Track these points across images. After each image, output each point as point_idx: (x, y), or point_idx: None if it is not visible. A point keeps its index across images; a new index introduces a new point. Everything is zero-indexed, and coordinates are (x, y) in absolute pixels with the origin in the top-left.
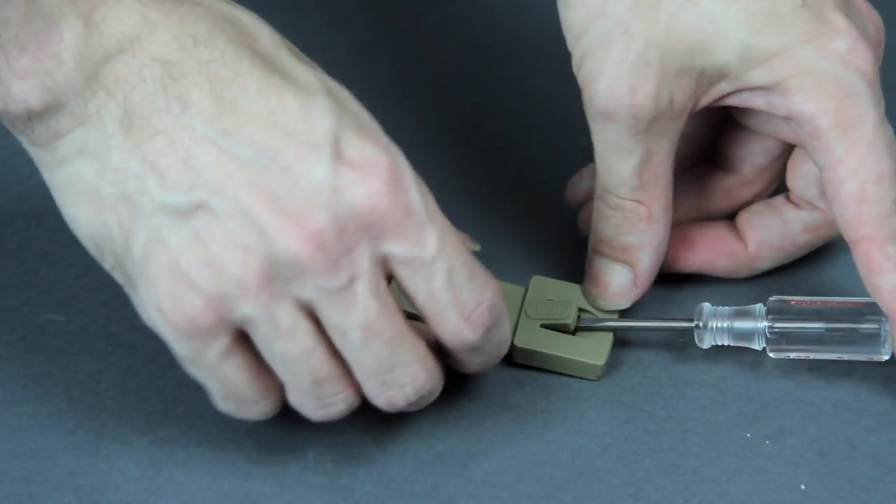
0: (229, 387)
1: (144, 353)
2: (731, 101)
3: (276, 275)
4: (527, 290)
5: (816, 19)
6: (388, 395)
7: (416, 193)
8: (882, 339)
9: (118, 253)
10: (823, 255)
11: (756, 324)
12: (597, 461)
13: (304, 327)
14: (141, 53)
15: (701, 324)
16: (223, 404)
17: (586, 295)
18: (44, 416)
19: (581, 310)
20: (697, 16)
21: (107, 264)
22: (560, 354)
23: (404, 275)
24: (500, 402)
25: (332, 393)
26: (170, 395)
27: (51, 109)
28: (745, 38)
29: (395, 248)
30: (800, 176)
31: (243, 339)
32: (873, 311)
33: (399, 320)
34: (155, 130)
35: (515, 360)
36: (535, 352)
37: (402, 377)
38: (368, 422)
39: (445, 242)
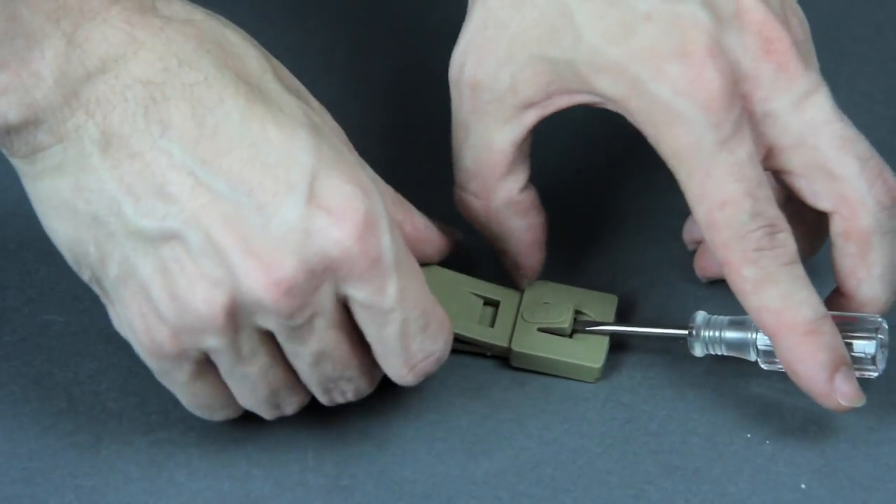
0: (198, 399)
1: None
2: (589, 105)
3: (241, 310)
4: (523, 294)
5: (665, 35)
6: (331, 396)
7: (387, 240)
8: (873, 355)
9: (94, 268)
10: (827, 270)
11: (749, 335)
12: (597, 462)
13: (264, 350)
14: (124, 74)
15: (694, 332)
16: (193, 411)
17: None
18: (44, 417)
19: (577, 312)
20: (556, 7)
21: (84, 276)
22: (557, 358)
23: (360, 316)
24: (500, 402)
25: (286, 398)
26: (170, 397)
27: (29, 125)
28: (593, 40)
29: (357, 293)
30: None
31: (209, 361)
32: (866, 327)
33: (350, 343)
34: (133, 152)
35: (512, 363)
36: (532, 355)
37: (345, 386)
38: (369, 423)
39: (405, 294)
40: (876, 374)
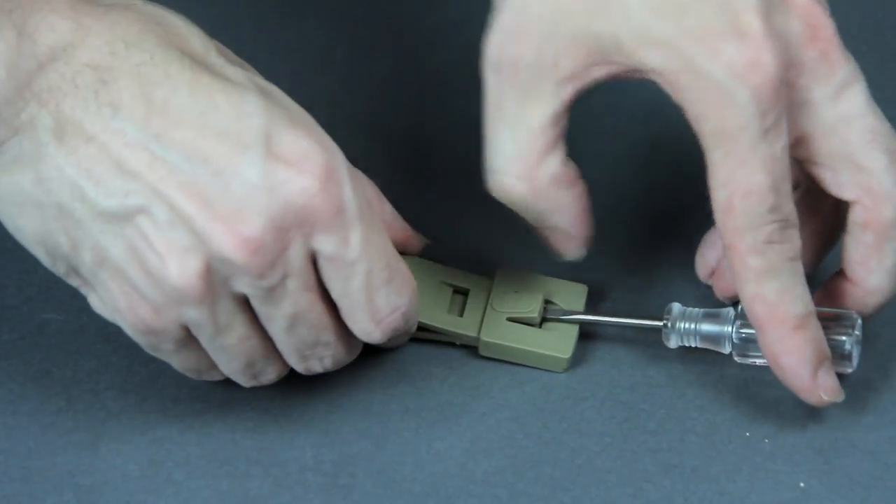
0: (186, 364)
1: (143, 352)
2: (626, 76)
3: (215, 276)
4: (493, 283)
5: (718, 15)
6: (307, 364)
7: (348, 190)
8: (848, 352)
9: (69, 258)
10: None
11: (723, 328)
12: (596, 460)
13: (241, 319)
14: (73, 60)
15: (669, 324)
16: (183, 373)
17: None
18: (43, 416)
19: (547, 301)
20: None
21: (60, 270)
22: (526, 347)
23: (326, 270)
24: (499, 401)
25: (263, 367)
26: (169, 395)
27: None
28: (643, 15)
29: (322, 245)
30: None
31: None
32: (842, 323)
33: (324, 306)
34: (87, 136)
35: (481, 352)
36: (500, 345)
37: (322, 352)
38: (367, 421)
39: (369, 244)
40: (851, 370)
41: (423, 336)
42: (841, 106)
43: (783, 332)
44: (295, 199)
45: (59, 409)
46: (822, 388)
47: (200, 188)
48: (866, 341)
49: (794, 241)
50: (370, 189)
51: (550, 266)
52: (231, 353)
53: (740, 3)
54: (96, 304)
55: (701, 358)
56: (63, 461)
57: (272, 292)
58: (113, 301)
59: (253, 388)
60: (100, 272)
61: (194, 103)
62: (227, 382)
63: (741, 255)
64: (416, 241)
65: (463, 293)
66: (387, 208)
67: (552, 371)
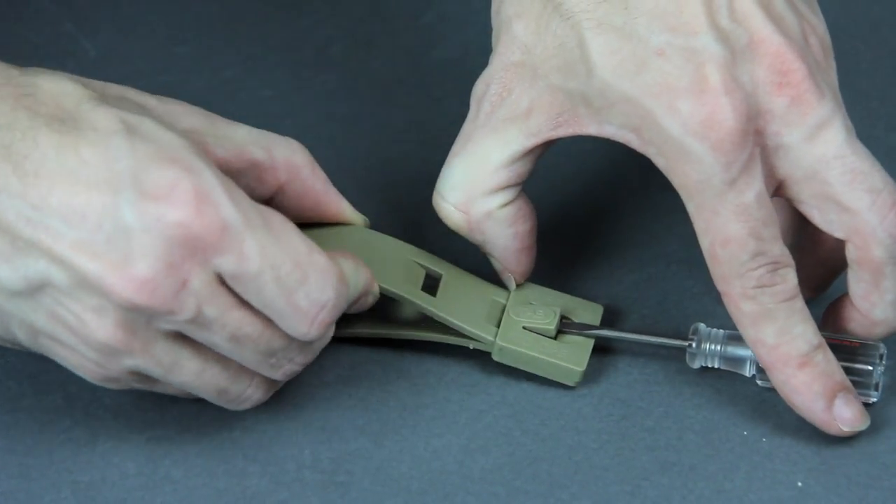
0: (168, 392)
1: None
2: (595, 132)
3: (135, 323)
4: (510, 293)
5: (679, 69)
6: (282, 371)
7: (227, 206)
8: (873, 381)
9: (6, 339)
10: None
11: (748, 351)
12: (594, 458)
13: (186, 354)
14: None
15: (694, 344)
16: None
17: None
18: (41, 413)
19: (563, 317)
20: (573, 38)
21: (9, 345)
22: (541, 356)
23: (237, 287)
24: (497, 398)
25: (240, 391)
26: (167, 395)
27: None
28: (605, 73)
29: (222, 266)
30: None
31: None
32: (867, 352)
33: (259, 316)
34: None
35: (494, 357)
36: (516, 351)
37: (287, 354)
38: (365, 419)
39: (267, 252)
40: (875, 400)
41: (436, 338)
42: (818, 148)
43: (789, 371)
44: (174, 232)
45: (57, 407)
46: (839, 419)
47: (87, 244)
48: None
49: (788, 281)
50: (296, 157)
51: (565, 285)
52: (194, 387)
53: (703, 55)
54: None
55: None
56: (61, 459)
57: (196, 323)
58: (64, 362)
59: None
60: (38, 341)
61: (63, 163)
62: None
63: (734, 301)
64: (352, 214)
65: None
66: (318, 182)
67: (564, 383)
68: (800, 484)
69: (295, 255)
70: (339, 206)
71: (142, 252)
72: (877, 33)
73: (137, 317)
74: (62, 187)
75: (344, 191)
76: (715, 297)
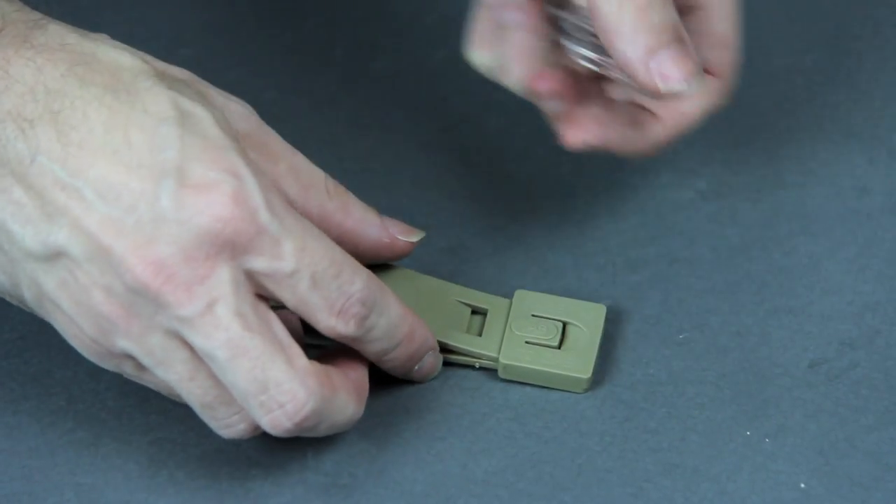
0: (156, 386)
1: None
2: None
3: (139, 309)
4: (511, 303)
5: None
6: (270, 417)
7: (264, 209)
8: None
9: (13, 294)
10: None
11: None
12: (596, 460)
13: (180, 356)
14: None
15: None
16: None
17: None
18: (44, 415)
19: (565, 325)
20: None
21: (15, 303)
22: (546, 369)
23: (271, 287)
24: (499, 401)
25: (227, 415)
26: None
27: None
28: None
29: (255, 265)
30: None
31: None
32: None
33: (269, 336)
34: (12, 180)
35: (500, 375)
36: (521, 367)
37: (279, 396)
38: (368, 421)
39: (304, 250)
40: None
41: (443, 358)
42: None
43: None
44: (207, 227)
45: (60, 409)
46: (658, 76)
47: (116, 222)
48: (868, 344)
49: None
50: (322, 182)
51: (568, 286)
52: (181, 391)
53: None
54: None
55: (702, 355)
56: (63, 460)
57: (201, 322)
58: (62, 330)
59: None
60: (42, 305)
61: (109, 140)
62: None
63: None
64: (387, 236)
65: (481, 313)
66: (352, 205)
67: (572, 392)
68: (803, 485)
69: (331, 255)
70: (372, 238)
71: (168, 239)
72: (879, 34)
73: (145, 303)
74: (104, 163)
75: None
76: (718, 295)
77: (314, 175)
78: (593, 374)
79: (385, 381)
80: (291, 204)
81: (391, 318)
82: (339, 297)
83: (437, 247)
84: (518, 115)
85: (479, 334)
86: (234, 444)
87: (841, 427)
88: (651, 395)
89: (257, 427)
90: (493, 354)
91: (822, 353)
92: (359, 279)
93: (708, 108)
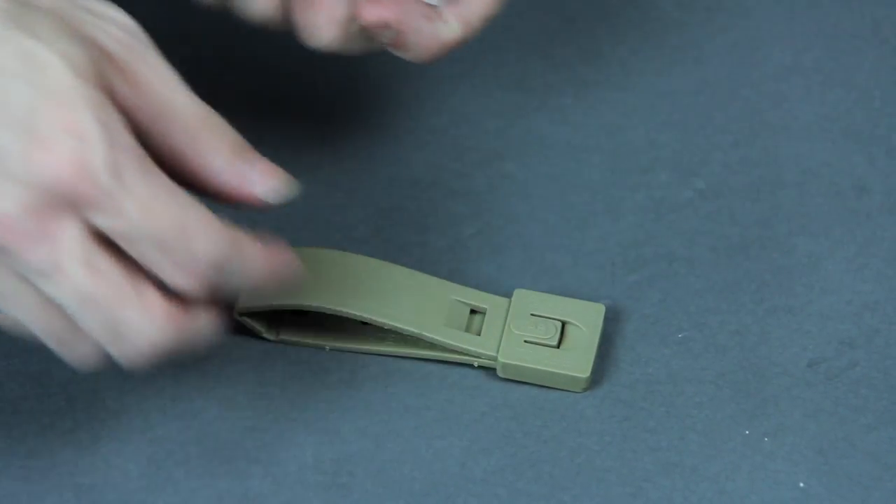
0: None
1: None
2: None
3: None
4: (510, 303)
5: None
6: (125, 358)
7: (104, 171)
8: None
9: None
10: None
11: None
12: (596, 460)
13: (23, 291)
14: None
15: None
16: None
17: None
18: (43, 415)
19: (564, 324)
20: None
21: None
22: (545, 368)
23: (119, 242)
24: (499, 400)
25: (81, 351)
26: (168, 394)
27: None
28: None
29: (98, 222)
30: None
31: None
32: None
33: (119, 282)
34: None
35: (500, 374)
36: (520, 366)
37: (130, 335)
38: (367, 421)
39: (149, 212)
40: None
41: (440, 357)
42: None
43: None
44: (48, 185)
45: (59, 409)
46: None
47: None
48: (868, 343)
49: None
50: (185, 118)
51: (567, 285)
52: (34, 329)
53: None
54: None
55: (701, 354)
56: (63, 460)
57: (49, 273)
58: None
59: (253, 386)
60: None
61: None
62: (229, 381)
63: None
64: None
65: (480, 313)
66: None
67: (571, 391)
68: (802, 485)
69: (181, 216)
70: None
71: (11, 195)
72: (878, 33)
73: None
74: None
75: (345, 192)
76: (717, 294)
77: (178, 109)
78: (592, 373)
79: (385, 381)
80: (148, 138)
81: (249, 274)
82: (186, 259)
83: (437, 247)
84: (517, 116)
85: (478, 333)
86: (234, 442)
87: (840, 426)
88: (650, 394)
89: (111, 358)
90: (492, 354)
91: (821, 352)
92: (209, 241)
93: (489, 15)
